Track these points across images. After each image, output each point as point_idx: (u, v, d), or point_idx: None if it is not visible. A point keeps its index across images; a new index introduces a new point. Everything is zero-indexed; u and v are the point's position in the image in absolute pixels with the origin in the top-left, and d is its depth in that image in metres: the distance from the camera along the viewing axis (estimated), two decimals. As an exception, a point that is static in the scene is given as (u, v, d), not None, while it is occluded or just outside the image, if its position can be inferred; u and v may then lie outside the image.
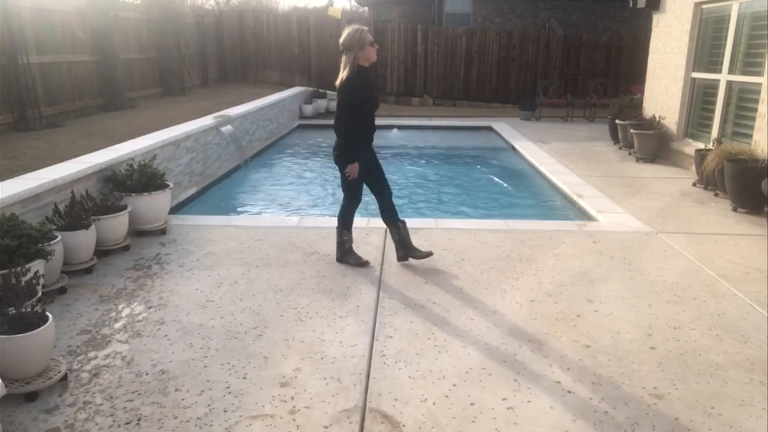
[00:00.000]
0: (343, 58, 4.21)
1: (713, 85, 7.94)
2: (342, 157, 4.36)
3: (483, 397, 2.86)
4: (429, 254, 4.60)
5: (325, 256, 4.74)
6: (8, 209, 3.99)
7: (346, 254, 4.62)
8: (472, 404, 2.81)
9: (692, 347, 3.39)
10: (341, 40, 4.19)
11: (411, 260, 4.60)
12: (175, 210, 6.19)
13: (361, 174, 4.42)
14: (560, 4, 17.55)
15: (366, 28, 4.24)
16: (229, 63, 16.42)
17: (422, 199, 7.50)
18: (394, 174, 8.91)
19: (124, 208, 4.92)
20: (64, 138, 7.01)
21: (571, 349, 3.34)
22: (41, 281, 3.31)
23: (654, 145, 8.82)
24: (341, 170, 4.44)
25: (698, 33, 8.33)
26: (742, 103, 7.33)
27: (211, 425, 2.64)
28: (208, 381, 2.98)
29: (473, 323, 3.64)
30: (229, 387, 2.93)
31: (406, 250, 4.59)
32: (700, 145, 7.87)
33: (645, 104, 9.87)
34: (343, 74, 4.21)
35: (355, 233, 5.29)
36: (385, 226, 5.37)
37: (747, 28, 7.28)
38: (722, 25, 7.77)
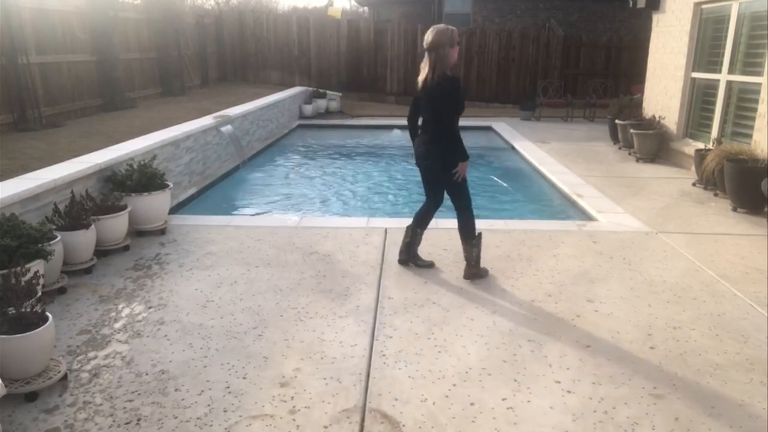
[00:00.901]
0: (429, 58, 3.98)
1: (713, 85, 7.94)
2: (455, 158, 4.13)
3: (483, 397, 2.86)
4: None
5: (325, 256, 4.74)
6: (8, 209, 3.99)
7: (414, 256, 4.56)
8: (472, 404, 2.81)
9: (692, 347, 3.39)
10: (430, 38, 3.95)
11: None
12: (175, 210, 6.19)
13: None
14: (560, 4, 17.56)
15: (455, 29, 4.04)
16: (229, 63, 16.42)
17: (422, 199, 7.49)
18: (395, 174, 8.93)
19: (124, 208, 4.92)
20: (64, 138, 7.00)
21: (571, 349, 3.34)
22: (41, 281, 3.30)
23: (654, 145, 8.82)
24: (448, 175, 4.20)
25: (698, 33, 8.33)
26: (742, 103, 7.32)
27: (211, 425, 2.64)
28: (208, 381, 2.98)
29: (473, 323, 3.64)
30: (229, 387, 2.93)
31: (409, 256, 4.55)
32: (700, 145, 7.87)
33: (645, 104, 9.87)
34: (430, 74, 3.99)
35: (354, 233, 5.31)
36: (385, 226, 5.39)
37: (747, 28, 7.28)
38: (722, 25, 7.77)
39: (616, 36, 16.50)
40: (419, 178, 4.52)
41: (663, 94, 9.17)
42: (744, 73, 7.30)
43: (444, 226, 5.62)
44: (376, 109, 15.05)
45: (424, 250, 4.75)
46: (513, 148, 10.39)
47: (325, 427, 2.63)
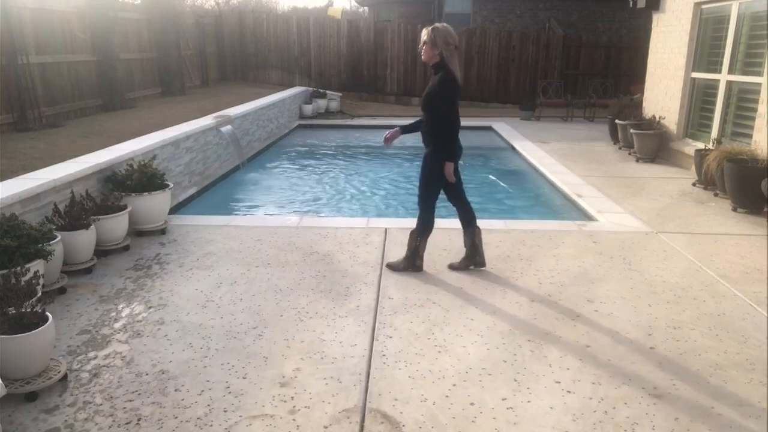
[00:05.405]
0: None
1: (713, 85, 7.94)
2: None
3: (483, 397, 2.86)
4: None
5: (325, 256, 4.74)
6: (8, 209, 3.99)
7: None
8: (472, 404, 2.81)
9: (692, 347, 3.39)
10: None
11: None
12: (175, 210, 6.19)
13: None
14: (560, 4, 17.55)
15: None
16: (228, 63, 16.42)
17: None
18: (394, 174, 8.92)
19: (124, 208, 4.92)
20: (64, 138, 7.00)
21: (571, 349, 3.34)
22: (41, 281, 3.31)
23: (654, 145, 8.83)
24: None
25: (698, 33, 8.33)
26: (742, 103, 7.32)
27: (211, 425, 2.64)
28: (208, 381, 2.98)
29: (473, 323, 3.64)
30: (229, 387, 2.93)
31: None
32: (700, 145, 7.87)
33: (645, 104, 9.87)
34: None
35: (354, 233, 5.31)
36: (385, 226, 5.39)
37: (747, 28, 7.28)
38: (722, 25, 7.77)
39: (616, 36, 16.50)
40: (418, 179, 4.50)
41: (663, 94, 9.17)
42: (744, 73, 7.30)
43: (444, 226, 5.61)
44: (377, 109, 15.06)
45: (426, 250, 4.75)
46: (513, 148, 10.39)
47: (325, 427, 2.63)
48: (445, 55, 4.07)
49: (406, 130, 4.49)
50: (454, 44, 4.09)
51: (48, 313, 2.96)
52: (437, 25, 4.12)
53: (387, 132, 4.47)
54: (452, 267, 4.51)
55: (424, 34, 4.09)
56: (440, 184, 4.30)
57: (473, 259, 4.51)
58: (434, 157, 4.21)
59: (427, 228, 4.44)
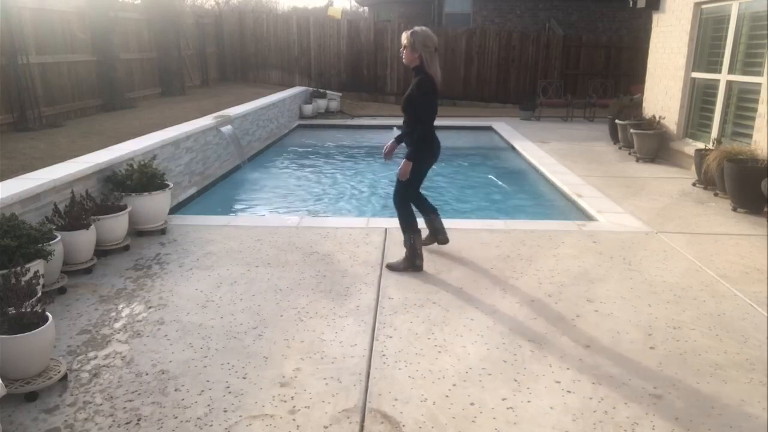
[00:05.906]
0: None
1: (713, 85, 7.94)
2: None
3: (483, 397, 2.86)
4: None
5: (325, 256, 4.74)
6: (8, 209, 3.99)
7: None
8: (472, 404, 2.81)
9: (692, 347, 3.39)
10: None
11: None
12: (175, 210, 6.19)
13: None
14: (560, 4, 17.56)
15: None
16: (228, 63, 16.43)
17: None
18: (393, 174, 8.93)
19: (124, 208, 4.92)
20: (64, 138, 7.01)
21: (571, 349, 3.34)
22: (41, 281, 3.31)
23: (654, 145, 8.83)
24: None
25: (698, 33, 8.33)
26: (742, 103, 7.32)
27: (211, 425, 2.64)
28: (208, 381, 2.98)
29: (473, 323, 3.64)
30: (229, 387, 2.93)
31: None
32: (700, 145, 7.87)
33: (645, 104, 9.87)
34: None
35: (354, 233, 5.31)
36: (385, 226, 5.38)
37: (747, 28, 7.28)
38: (722, 25, 7.78)
39: (616, 36, 16.50)
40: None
41: (663, 94, 9.17)
42: (744, 73, 7.30)
43: (445, 226, 5.61)
44: (376, 109, 15.06)
45: (424, 250, 4.74)
46: (513, 147, 10.38)
47: (325, 427, 2.63)
48: (425, 58, 4.13)
49: (400, 139, 4.59)
50: (434, 47, 4.15)
51: (48, 313, 2.96)
52: (416, 28, 4.18)
53: (384, 147, 4.61)
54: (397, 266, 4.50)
55: (404, 38, 4.15)
56: (418, 182, 4.40)
57: (412, 260, 4.47)
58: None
59: (410, 225, 4.48)
